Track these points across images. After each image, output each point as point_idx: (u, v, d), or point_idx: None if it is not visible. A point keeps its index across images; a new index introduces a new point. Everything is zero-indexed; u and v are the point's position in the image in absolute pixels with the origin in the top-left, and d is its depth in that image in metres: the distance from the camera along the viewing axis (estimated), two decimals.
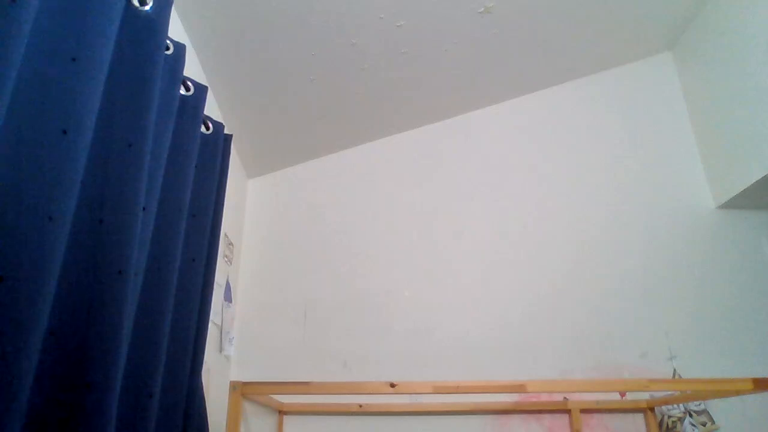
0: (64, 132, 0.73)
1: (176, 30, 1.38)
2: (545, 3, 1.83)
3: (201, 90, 1.29)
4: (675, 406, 1.83)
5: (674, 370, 1.89)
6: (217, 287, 1.55)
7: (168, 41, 1.10)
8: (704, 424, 1.81)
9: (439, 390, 1.54)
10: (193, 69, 1.50)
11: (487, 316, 1.97)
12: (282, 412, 1.84)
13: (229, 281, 1.89)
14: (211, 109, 1.63)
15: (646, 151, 2.22)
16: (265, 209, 2.20)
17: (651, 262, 2.04)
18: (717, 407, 1.82)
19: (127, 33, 0.93)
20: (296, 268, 2.10)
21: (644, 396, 1.83)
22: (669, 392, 1.75)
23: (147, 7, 1.00)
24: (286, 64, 1.75)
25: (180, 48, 1.16)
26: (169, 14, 1.06)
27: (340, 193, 2.22)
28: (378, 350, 1.93)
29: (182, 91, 1.22)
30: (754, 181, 1.87)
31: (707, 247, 2.06)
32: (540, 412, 1.85)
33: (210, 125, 1.39)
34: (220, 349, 1.76)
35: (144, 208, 0.94)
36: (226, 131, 1.48)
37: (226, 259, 1.85)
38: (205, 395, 1.28)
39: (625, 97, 2.30)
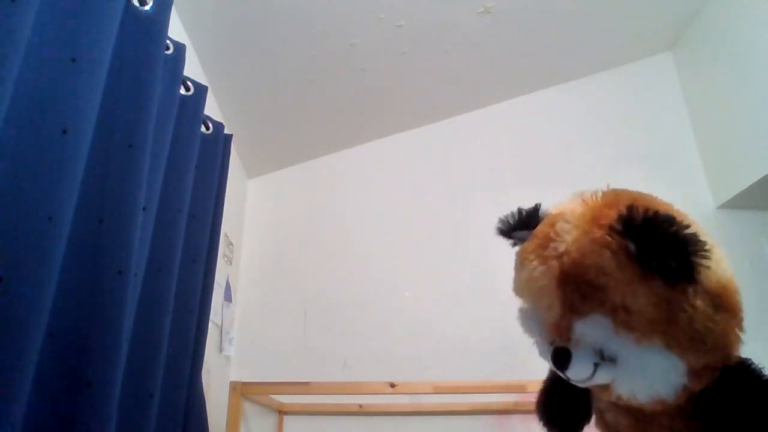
0: (64, 132, 0.73)
1: (176, 30, 1.38)
2: (545, 3, 1.82)
3: (201, 90, 1.29)
4: None
5: None
6: (217, 287, 1.55)
7: (168, 41, 1.11)
8: None
9: (439, 390, 1.54)
10: (193, 69, 1.49)
11: (487, 316, 1.97)
12: (282, 412, 1.84)
13: (229, 281, 1.89)
14: (211, 109, 1.63)
15: (646, 151, 2.21)
16: (265, 209, 2.20)
17: None
18: None
19: (127, 33, 0.93)
20: (296, 268, 2.10)
21: None
22: None
23: (147, 7, 1.00)
24: (286, 64, 1.75)
25: (180, 48, 1.16)
26: (169, 14, 1.06)
27: (340, 193, 2.22)
28: (378, 350, 1.93)
29: (182, 91, 1.22)
30: (754, 181, 1.86)
31: None
32: None
33: (210, 125, 1.39)
34: (220, 349, 1.76)
35: (144, 208, 0.94)
36: (226, 131, 1.48)
37: (226, 259, 1.85)
38: (205, 395, 1.28)
39: (625, 97, 2.29)
